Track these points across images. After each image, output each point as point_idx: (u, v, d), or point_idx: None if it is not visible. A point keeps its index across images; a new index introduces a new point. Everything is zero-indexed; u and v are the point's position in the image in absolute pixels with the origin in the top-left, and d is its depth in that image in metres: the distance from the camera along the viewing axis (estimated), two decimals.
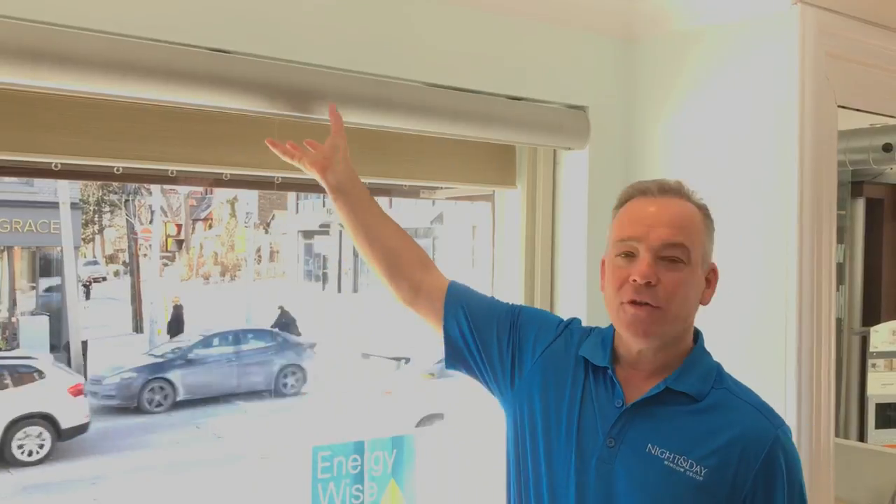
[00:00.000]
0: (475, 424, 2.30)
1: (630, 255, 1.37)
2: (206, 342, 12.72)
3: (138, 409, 11.35)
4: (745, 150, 2.07)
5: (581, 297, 2.25)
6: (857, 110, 2.11)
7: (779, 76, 1.99)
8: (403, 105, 1.93)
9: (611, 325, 1.45)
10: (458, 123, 2.03)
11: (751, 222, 2.04)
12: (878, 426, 4.56)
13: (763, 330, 2.00)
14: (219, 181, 2.28)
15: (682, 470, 1.32)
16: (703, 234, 1.40)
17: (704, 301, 1.42)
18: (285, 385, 12.40)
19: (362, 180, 1.75)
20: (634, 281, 1.34)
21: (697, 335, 1.45)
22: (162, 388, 11.65)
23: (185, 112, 1.79)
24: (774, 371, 1.97)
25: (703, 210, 1.43)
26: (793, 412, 1.92)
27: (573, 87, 2.23)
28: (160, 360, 12.31)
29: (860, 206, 4.83)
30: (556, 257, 2.33)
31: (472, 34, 2.03)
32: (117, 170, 2.04)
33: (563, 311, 2.31)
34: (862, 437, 4.55)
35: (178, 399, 11.56)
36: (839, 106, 2.04)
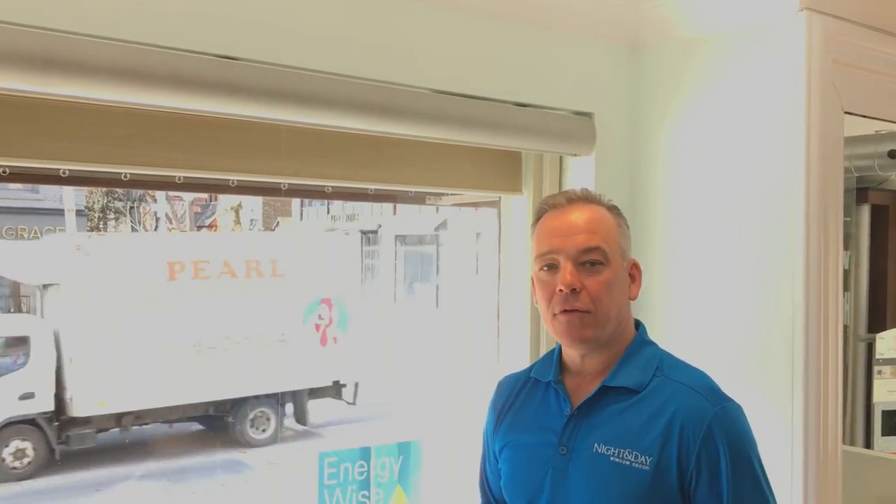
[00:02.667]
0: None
1: (552, 267, 1.44)
2: None
3: None
4: (751, 156, 2.07)
5: None
6: (864, 117, 2.11)
7: (785, 83, 1.99)
8: (411, 112, 1.94)
9: (558, 343, 1.51)
10: (466, 130, 2.04)
11: (757, 229, 2.04)
12: (884, 433, 4.54)
13: (770, 337, 2.00)
14: (225, 187, 2.30)
15: (627, 463, 1.37)
16: (616, 233, 1.46)
17: (632, 296, 1.48)
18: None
19: (379, 185, 1.91)
20: (561, 291, 1.40)
21: (639, 327, 1.50)
22: None
23: (194, 119, 1.80)
24: (782, 378, 1.96)
25: (614, 210, 1.49)
26: (799, 419, 1.92)
27: (580, 93, 2.23)
28: None
29: (865, 212, 4.82)
30: None
31: (478, 41, 2.04)
32: (125, 176, 2.06)
33: None
34: (868, 444, 4.54)
35: None
36: (846, 112, 2.04)
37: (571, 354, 1.48)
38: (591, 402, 1.44)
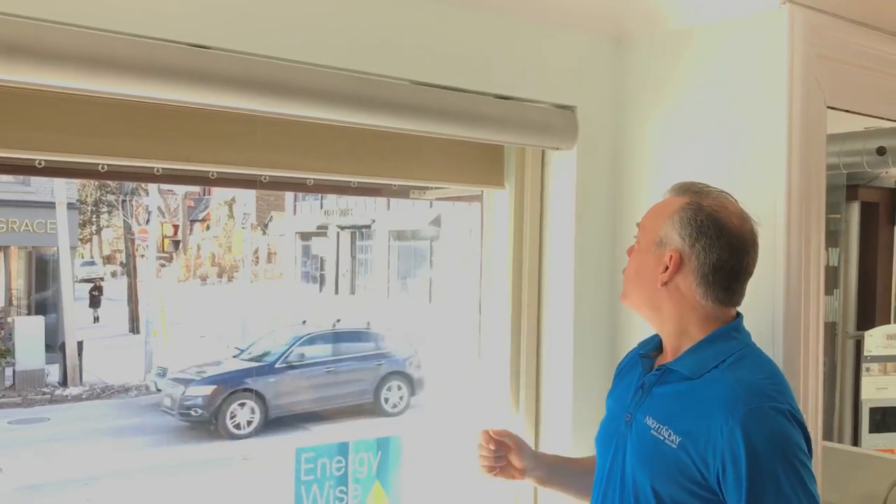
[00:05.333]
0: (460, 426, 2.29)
1: None
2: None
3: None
4: (733, 151, 2.04)
5: (568, 298, 2.23)
6: (847, 112, 2.09)
7: (767, 77, 1.97)
8: (387, 103, 1.91)
9: None
10: (444, 122, 2.01)
11: None
12: (871, 430, 4.55)
13: (750, 332, 1.98)
14: (205, 179, 2.27)
15: (661, 439, 1.47)
16: (663, 220, 1.56)
17: (659, 282, 1.55)
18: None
19: (359, 178, 2.02)
20: None
21: (734, 321, 1.57)
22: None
23: (171, 109, 1.77)
24: None
25: (686, 203, 1.56)
26: None
27: (561, 86, 2.21)
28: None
29: (855, 209, 4.82)
30: (543, 258, 2.31)
31: (458, 31, 2.01)
32: (102, 167, 2.03)
33: (550, 312, 2.29)
34: (856, 441, 4.54)
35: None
36: (829, 107, 2.02)
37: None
38: (654, 380, 1.56)
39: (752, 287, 1.98)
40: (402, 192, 2.90)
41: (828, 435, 4.37)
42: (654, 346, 1.65)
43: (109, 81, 1.54)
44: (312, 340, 11.03)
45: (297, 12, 1.78)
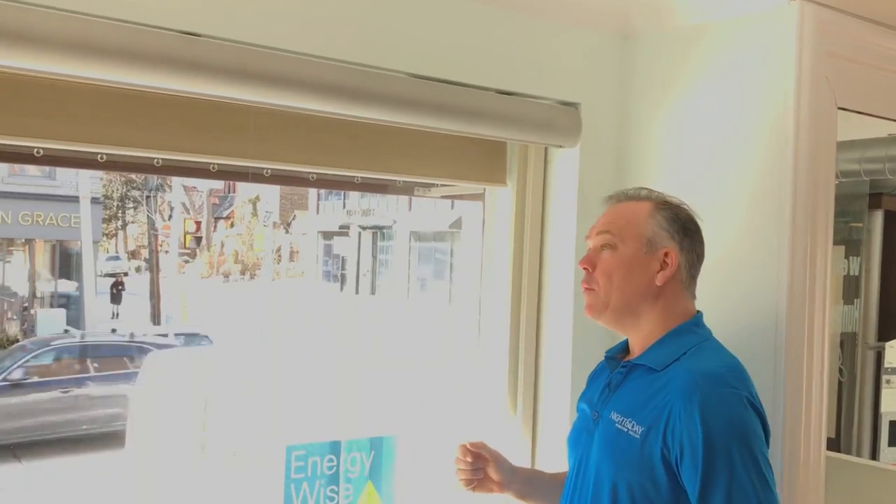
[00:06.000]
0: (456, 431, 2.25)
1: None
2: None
3: None
4: (739, 152, 1.99)
5: (568, 298, 2.19)
6: (859, 112, 2.02)
7: (776, 76, 1.91)
8: (387, 96, 1.87)
9: None
10: (444, 117, 1.97)
11: (743, 227, 1.96)
12: (890, 444, 4.45)
13: (752, 340, 1.91)
14: (205, 171, 2.24)
15: (625, 431, 1.50)
16: (644, 222, 1.57)
17: (658, 282, 1.56)
18: None
19: (359, 173, 2.07)
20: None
21: (694, 317, 1.60)
22: None
23: (169, 99, 1.73)
24: (763, 383, 1.88)
25: (657, 203, 1.61)
26: (779, 426, 1.84)
27: (565, 82, 2.16)
28: None
29: (878, 218, 4.71)
30: (544, 257, 2.27)
31: (460, 24, 1.97)
32: (101, 157, 2.00)
33: (550, 311, 2.25)
34: (874, 454, 4.44)
35: None
36: (839, 108, 1.96)
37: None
38: (621, 377, 1.59)
39: (755, 293, 1.93)
40: (407, 189, 2.86)
41: (846, 448, 4.28)
42: (620, 349, 1.68)
43: (94, 67, 1.52)
44: (57, 354, 9.61)
45: (293, 1, 1.75)
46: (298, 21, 1.76)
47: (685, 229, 1.58)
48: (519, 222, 2.27)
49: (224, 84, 1.66)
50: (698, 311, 1.62)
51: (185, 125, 1.85)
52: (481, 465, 1.75)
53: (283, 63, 1.72)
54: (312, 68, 1.76)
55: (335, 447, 2.17)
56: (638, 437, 1.48)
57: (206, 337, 11.70)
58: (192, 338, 11.88)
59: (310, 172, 2.30)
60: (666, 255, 1.56)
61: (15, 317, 16.93)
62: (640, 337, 1.60)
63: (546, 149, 2.26)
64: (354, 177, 2.46)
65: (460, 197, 2.71)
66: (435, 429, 2.25)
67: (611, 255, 1.58)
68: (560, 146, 2.19)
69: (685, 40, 2.11)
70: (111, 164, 2.18)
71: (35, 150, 1.91)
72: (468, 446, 1.76)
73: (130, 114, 1.79)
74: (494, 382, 2.27)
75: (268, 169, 2.23)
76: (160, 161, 2.09)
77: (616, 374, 1.61)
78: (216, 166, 2.18)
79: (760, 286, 1.90)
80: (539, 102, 2.13)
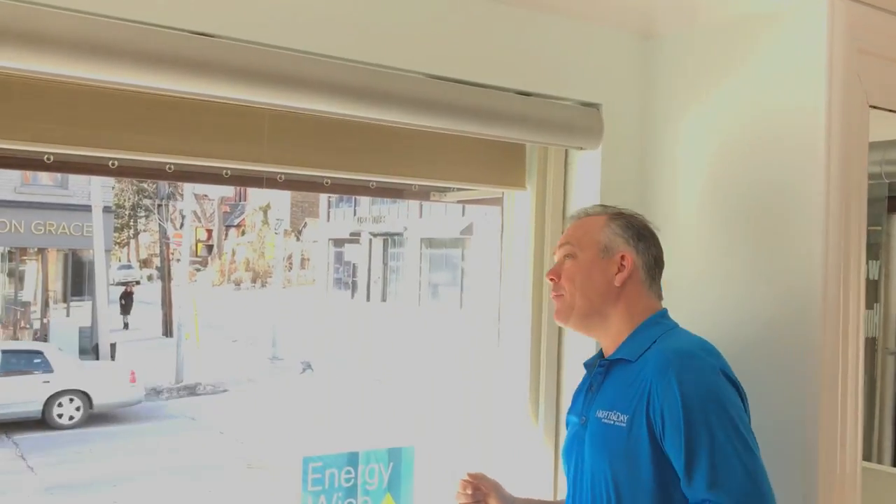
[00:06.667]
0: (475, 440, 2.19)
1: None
2: None
3: None
4: (768, 153, 1.92)
5: None
6: (892, 111, 1.96)
7: (806, 74, 1.85)
8: (404, 97, 1.82)
9: None
10: (462, 119, 1.92)
11: (774, 232, 1.90)
12: None
13: (784, 345, 1.85)
14: (217, 177, 2.20)
15: (611, 423, 1.57)
16: (600, 231, 1.69)
17: (617, 282, 1.66)
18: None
19: (375, 177, 2.09)
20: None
21: (658, 312, 1.68)
22: None
23: (181, 102, 1.70)
24: (797, 389, 1.82)
25: (611, 215, 1.72)
26: (814, 434, 1.78)
27: (586, 82, 2.10)
28: None
29: None
30: None
31: (476, 23, 1.92)
32: (112, 164, 1.97)
33: None
34: None
35: None
36: (871, 106, 1.89)
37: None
38: (600, 378, 1.66)
39: (787, 297, 1.86)
40: (423, 194, 2.80)
41: (866, 455, 4.20)
42: (596, 356, 1.74)
43: (103, 69, 1.47)
44: None
45: (307, 0, 1.70)
46: (314, 21, 1.71)
47: (639, 235, 1.70)
48: (539, 227, 2.21)
49: (238, 85, 1.62)
50: (663, 308, 1.71)
51: (198, 129, 1.81)
52: (481, 496, 1.80)
53: (299, 63, 1.67)
54: (328, 69, 1.71)
55: (353, 459, 2.11)
56: (624, 425, 1.54)
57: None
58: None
59: (324, 177, 2.25)
60: (622, 258, 1.67)
61: (28, 325, 16.98)
62: (611, 337, 1.67)
63: (566, 151, 2.21)
64: (369, 182, 2.41)
65: (478, 202, 2.66)
66: (454, 439, 2.19)
67: (572, 263, 1.69)
68: (581, 148, 2.13)
69: (710, 38, 2.05)
70: (123, 170, 2.14)
71: (45, 156, 1.87)
72: (468, 478, 1.81)
73: (141, 117, 1.75)
74: (515, 392, 2.21)
75: (281, 174, 2.18)
76: (172, 167, 2.05)
77: (596, 375, 1.68)
78: (229, 172, 2.14)
79: (793, 291, 1.84)
80: (560, 103, 2.07)
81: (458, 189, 2.58)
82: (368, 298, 27.20)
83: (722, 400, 1.49)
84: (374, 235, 27.45)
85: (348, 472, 2.11)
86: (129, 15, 1.49)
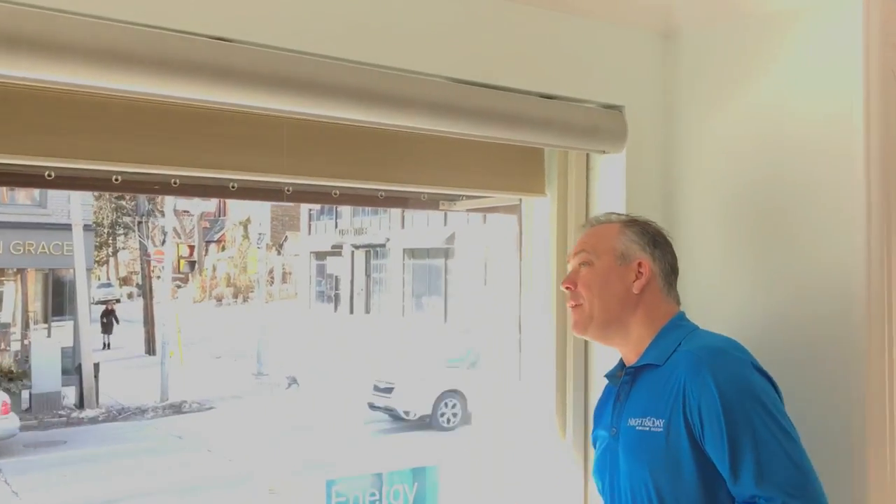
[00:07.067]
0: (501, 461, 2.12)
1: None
2: None
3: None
4: (801, 152, 1.87)
5: None
6: None
7: (839, 71, 1.80)
8: (421, 102, 1.75)
9: None
10: (485, 124, 1.85)
11: (812, 231, 1.84)
12: None
13: (826, 352, 1.79)
14: (225, 190, 2.12)
15: (646, 429, 1.54)
16: (615, 238, 1.68)
17: (635, 290, 1.65)
18: None
19: (389, 186, 2.01)
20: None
21: (676, 316, 1.67)
22: None
23: (188, 112, 1.63)
24: (840, 392, 1.76)
25: (624, 222, 1.72)
26: (861, 445, 1.71)
27: (608, 84, 2.04)
28: None
29: None
30: None
31: (497, 25, 1.86)
32: (116, 179, 1.87)
33: None
34: None
35: None
36: None
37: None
38: (627, 386, 1.63)
39: (826, 299, 1.80)
40: (431, 204, 2.73)
41: None
42: (617, 367, 1.72)
43: (117, 77, 1.39)
44: None
45: (326, 3, 1.63)
46: (333, 25, 1.64)
47: (655, 241, 1.69)
48: (561, 235, 2.14)
49: (255, 92, 1.54)
50: (681, 311, 1.70)
51: (218, 140, 1.73)
52: None
53: (317, 69, 1.60)
54: (348, 74, 1.63)
55: (377, 480, 2.02)
56: (661, 429, 1.52)
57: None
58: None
59: (334, 188, 2.17)
60: (640, 265, 1.66)
61: (7, 347, 16.70)
62: (631, 344, 1.66)
63: (588, 155, 2.14)
64: (378, 192, 2.34)
65: (489, 210, 2.58)
66: (478, 457, 2.11)
67: (588, 271, 1.67)
68: (604, 152, 2.07)
69: (735, 36, 2.00)
70: (127, 185, 2.05)
71: (46, 172, 1.78)
72: None
73: (148, 128, 1.67)
74: (541, 406, 2.14)
75: (289, 186, 2.11)
76: (177, 181, 1.97)
77: (623, 384, 1.65)
78: (236, 185, 2.06)
79: (837, 291, 1.78)
80: (582, 106, 2.01)
81: (468, 197, 2.51)
82: (352, 311, 27.05)
83: (758, 393, 1.48)
84: (357, 247, 27.31)
85: (372, 495, 2.02)
86: (146, 20, 1.41)
